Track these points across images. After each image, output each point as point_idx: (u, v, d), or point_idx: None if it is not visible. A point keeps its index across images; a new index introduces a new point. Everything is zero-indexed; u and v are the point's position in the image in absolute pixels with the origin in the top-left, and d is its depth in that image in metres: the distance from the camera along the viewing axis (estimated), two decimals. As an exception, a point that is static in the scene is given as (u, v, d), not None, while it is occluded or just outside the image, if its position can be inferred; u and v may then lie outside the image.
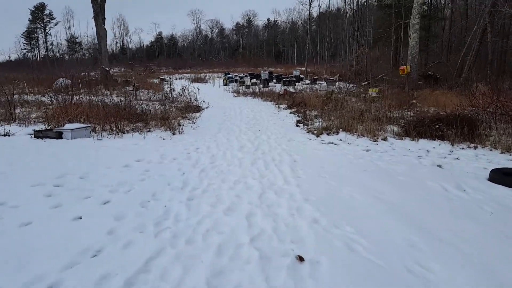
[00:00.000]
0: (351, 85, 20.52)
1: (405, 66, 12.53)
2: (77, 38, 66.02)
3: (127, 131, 7.73)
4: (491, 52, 16.28)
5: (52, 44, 64.28)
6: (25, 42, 62.60)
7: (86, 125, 7.22)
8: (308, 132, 7.76)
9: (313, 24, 47.33)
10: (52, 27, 63.22)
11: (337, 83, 20.05)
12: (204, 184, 4.27)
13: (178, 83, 26.36)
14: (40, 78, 20.81)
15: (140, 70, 43.13)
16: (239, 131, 8.14)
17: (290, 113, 10.75)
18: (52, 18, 62.63)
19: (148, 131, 7.95)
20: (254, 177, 4.55)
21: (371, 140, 6.75)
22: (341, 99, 12.50)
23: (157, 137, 7.11)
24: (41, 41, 63.21)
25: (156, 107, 12.43)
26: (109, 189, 3.99)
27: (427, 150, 6.03)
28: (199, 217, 3.22)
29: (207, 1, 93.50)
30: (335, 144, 6.58)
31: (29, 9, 60.46)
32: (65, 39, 65.79)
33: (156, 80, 26.25)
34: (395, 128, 7.44)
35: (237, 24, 74.38)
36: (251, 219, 3.10)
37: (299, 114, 10.29)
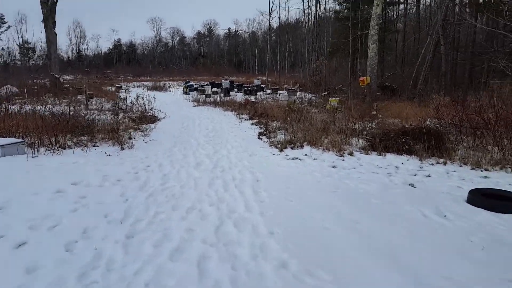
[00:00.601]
0: (311, 95, 20.67)
1: (365, 77, 12.66)
2: (30, 43, 61.48)
3: (69, 146, 6.75)
4: (444, 64, 17.11)
5: (3, 49, 59.32)
6: None
7: (19, 140, 6.16)
8: (271, 145, 7.29)
9: (272, 35, 47.94)
10: (3, 32, 58.44)
11: (298, 93, 20.04)
12: (150, 213, 3.58)
13: (136, 92, 25.10)
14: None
15: (96, 78, 40.96)
16: (197, 145, 7.48)
17: (252, 124, 10.27)
18: (3, 22, 57.99)
19: (94, 146, 7.04)
20: (211, 202, 3.94)
21: (337, 155, 6.42)
22: (304, 109, 12.29)
23: (102, 153, 6.24)
24: None
25: (107, 117, 11.41)
26: (30, 224, 3.18)
27: (396, 166, 5.80)
28: (138, 263, 2.55)
29: (168, 9, 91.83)
30: (300, 160, 6.16)
31: None
32: (17, 44, 61.01)
33: (112, 88, 24.72)
34: (360, 141, 7.22)
35: (198, 32, 73.53)
36: (203, 265, 2.48)
37: (261, 126, 9.85)
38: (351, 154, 6.46)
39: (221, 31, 74.00)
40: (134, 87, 31.08)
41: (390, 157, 6.37)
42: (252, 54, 59.70)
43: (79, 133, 7.71)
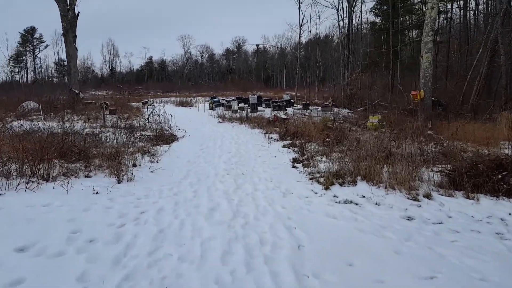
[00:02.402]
0: (346, 111, 18.77)
1: (417, 91, 10.68)
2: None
3: (54, 178, 5.34)
4: (505, 77, 14.67)
5: (41, 67, 62.47)
6: (13, 64, 60.58)
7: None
8: (311, 179, 5.50)
9: (301, 50, 46.61)
10: (41, 50, 61.63)
11: (334, 109, 18.19)
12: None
13: (160, 107, 24.28)
14: (9, 100, 18.55)
15: (127, 93, 41.39)
16: (215, 176, 5.84)
17: (284, 146, 8.54)
18: (42, 42, 61.20)
19: (87, 176, 5.60)
20: (223, 304, 2.23)
21: (408, 198, 4.53)
22: (345, 128, 10.44)
23: (89, 190, 4.73)
24: (30, 64, 61.70)
25: (121, 136, 10.17)
26: None
27: (502, 219, 3.85)
28: None
29: (197, 27, 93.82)
30: (357, 205, 4.33)
31: (19, 32, 58.93)
32: (53, 62, 63.96)
33: (138, 104, 24.10)
34: (433, 174, 5.26)
35: (227, 49, 73.82)
36: None
37: (295, 148, 8.10)
38: (428, 196, 4.54)
39: (249, 47, 73.76)
40: (161, 102, 30.58)
41: (486, 202, 4.38)
42: (281, 69, 58.73)
43: (73, 158, 6.35)
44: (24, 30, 59.89)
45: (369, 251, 3.05)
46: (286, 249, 3.07)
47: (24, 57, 61.51)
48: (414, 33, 27.15)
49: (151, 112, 12.16)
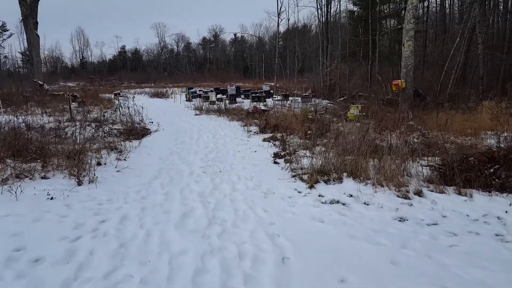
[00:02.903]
0: (326, 102, 18.55)
1: (399, 81, 10.46)
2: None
3: (5, 180, 4.67)
4: (482, 66, 14.79)
5: (5, 57, 58.54)
6: None
7: None
8: (294, 176, 5.10)
9: (280, 40, 46.06)
10: (5, 39, 57.65)
11: (313, 100, 17.92)
12: None
13: (137, 99, 23.18)
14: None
15: (96, 84, 39.73)
16: (190, 175, 5.32)
17: (264, 140, 8.10)
18: (5, 30, 57.22)
19: (44, 177, 4.96)
20: None
21: (398, 195, 4.21)
22: (326, 120, 10.14)
23: (43, 195, 4.11)
24: None
25: (87, 130, 9.42)
26: None
27: (499, 218, 3.59)
28: None
29: (172, 15, 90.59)
30: (345, 205, 3.96)
31: None
32: (18, 52, 60.17)
33: (110, 95, 22.92)
34: (422, 169, 4.98)
35: (204, 38, 71.93)
36: None
37: (276, 142, 7.68)
38: (419, 193, 4.23)
39: (226, 35, 72.35)
40: (135, 93, 29.38)
41: (479, 198, 4.12)
42: (259, 59, 58.02)
43: (29, 157, 5.64)
44: (-15, 19, 55.89)
45: (363, 263, 2.68)
46: (269, 264, 2.65)
47: (-14, 47, 57.68)
48: (391, 23, 27.25)
49: (118, 104, 11.35)
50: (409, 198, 4.13)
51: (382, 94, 17.90)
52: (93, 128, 9.96)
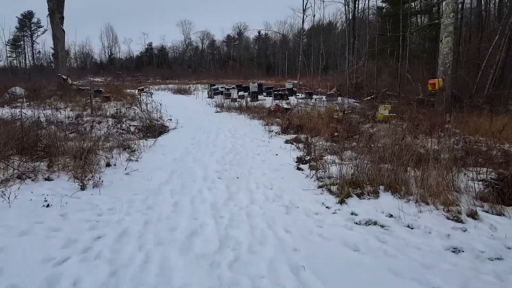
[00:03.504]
0: (352, 101, 17.65)
1: (436, 80, 9.53)
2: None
3: (5, 181, 4.33)
4: (526, 65, 13.44)
5: (39, 52, 60.82)
6: (10, 50, 59.00)
7: None
8: (320, 186, 4.46)
9: (304, 37, 45.06)
10: (39, 35, 59.88)
11: (339, 98, 17.08)
12: None
13: (160, 95, 23.13)
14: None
15: (123, 80, 40.46)
16: (203, 180, 4.80)
17: (286, 141, 7.48)
18: (40, 26, 59.41)
19: (47, 179, 4.59)
20: None
21: (447, 217, 3.49)
22: (355, 121, 9.40)
23: (39, 201, 3.70)
24: (28, 49, 60.24)
25: (109, 126, 9.20)
26: None
27: None
28: None
29: (197, 13, 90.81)
30: (384, 228, 3.30)
31: (17, 17, 57.15)
32: (50, 47, 62.36)
33: (134, 91, 22.96)
34: (473, 183, 4.21)
35: (228, 36, 71.77)
36: None
37: (299, 145, 7.05)
38: (473, 215, 3.50)
39: (250, 32, 71.82)
40: (159, 89, 29.47)
41: (551, 224, 3.36)
42: (283, 57, 57.21)
43: (36, 155, 5.32)
44: (22, 14, 58.24)
45: (417, 317, 2.04)
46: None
47: (22, 42, 60.06)
48: (422, 19, 25.79)
49: (139, 100, 11.08)
50: (461, 221, 3.41)
51: (413, 94, 16.82)
52: (110, 125, 9.72)
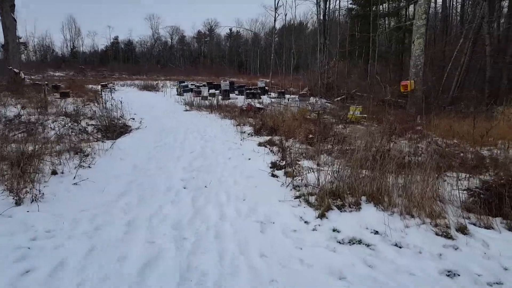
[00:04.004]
0: (323, 101, 17.59)
1: (408, 81, 9.49)
2: (20, 38, 58.18)
3: None
4: (489, 68, 13.92)
5: None
6: None
7: None
8: (298, 197, 4.03)
9: (276, 36, 44.97)
10: None
11: (311, 98, 16.92)
12: None
13: (125, 91, 21.89)
14: None
15: (86, 75, 38.34)
16: (166, 192, 4.22)
17: (259, 144, 7.01)
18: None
19: (-25, 191, 3.81)
20: None
21: (436, 232, 3.18)
22: (327, 121, 9.15)
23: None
24: None
25: (64, 126, 8.32)
26: None
27: None
28: None
29: (166, 7, 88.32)
30: (369, 248, 2.91)
31: None
32: (-1, 40, 57.67)
33: (97, 87, 21.54)
34: (457, 192, 3.96)
35: (199, 32, 70.24)
36: None
37: (273, 148, 6.62)
38: (462, 230, 3.21)
39: (221, 29, 70.83)
40: (124, 85, 28.03)
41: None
42: (254, 55, 56.87)
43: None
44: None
45: None
46: None
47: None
48: (388, 22, 26.38)
49: (101, 96, 10.23)
50: (452, 238, 3.10)
51: (381, 95, 17.01)
52: (65, 124, 8.80)
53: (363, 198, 3.76)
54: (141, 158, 5.80)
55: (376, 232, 3.16)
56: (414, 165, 4.23)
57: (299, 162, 5.35)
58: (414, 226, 3.28)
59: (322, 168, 4.71)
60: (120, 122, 9.44)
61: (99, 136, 8.06)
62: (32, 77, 24.52)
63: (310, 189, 4.12)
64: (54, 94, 16.08)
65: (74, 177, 4.48)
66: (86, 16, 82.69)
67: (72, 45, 65.98)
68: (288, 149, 6.00)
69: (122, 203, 3.75)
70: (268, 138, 7.42)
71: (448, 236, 3.13)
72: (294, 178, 4.56)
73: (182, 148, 6.72)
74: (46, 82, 19.38)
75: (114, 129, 8.54)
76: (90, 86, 22.21)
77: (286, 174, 4.85)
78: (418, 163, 4.43)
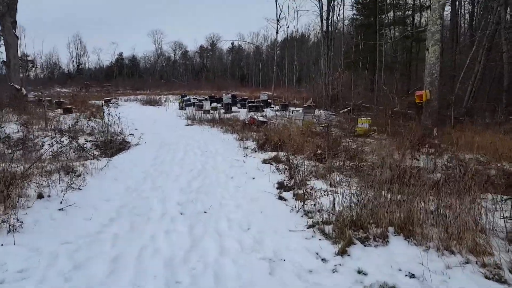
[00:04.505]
0: (329, 113, 17.15)
1: (423, 91, 9.01)
2: (29, 55, 58.88)
3: None
4: (507, 76, 13.36)
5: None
6: None
7: None
8: (311, 226, 3.52)
9: (277, 48, 45.07)
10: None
11: (316, 111, 16.49)
12: None
13: (128, 106, 21.68)
14: None
15: (88, 90, 38.48)
16: (160, 219, 3.73)
17: (264, 161, 6.53)
18: (-3, 34, 55.10)
19: None
20: None
21: (485, 275, 2.65)
22: (337, 136, 8.68)
23: None
24: None
25: (61, 142, 7.88)
26: None
27: None
28: None
29: (169, 23, 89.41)
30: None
31: None
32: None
33: (101, 102, 21.33)
34: (502, 221, 3.42)
35: (201, 46, 70.80)
36: None
37: (279, 165, 6.12)
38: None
39: (223, 43, 71.37)
40: (127, 100, 27.91)
41: None
42: (256, 68, 56.95)
43: None
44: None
45: None
46: None
47: (-17, 51, 55.93)
48: (394, 31, 26.13)
49: (103, 112, 9.91)
50: (506, 282, 2.56)
51: (389, 106, 16.56)
52: (62, 141, 8.37)
53: (390, 229, 3.23)
54: (136, 177, 5.33)
55: (412, 276, 2.62)
56: (445, 186, 3.71)
57: (309, 182, 4.85)
58: (457, 266, 2.74)
59: (336, 191, 4.21)
60: (119, 138, 9.04)
61: (97, 153, 7.65)
62: (39, 93, 24.52)
63: (325, 216, 3.61)
64: (57, 109, 15.87)
65: (61, 202, 4.01)
66: (91, 34, 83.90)
67: (78, 61, 66.91)
68: (296, 167, 5.51)
69: (110, 233, 3.26)
70: (273, 154, 6.93)
71: (501, 280, 2.58)
72: (305, 201, 4.05)
73: (181, 165, 6.25)
74: (48, 98, 19.24)
75: (112, 145, 8.13)
76: (94, 101, 22.02)
77: (296, 196, 4.35)
78: (449, 183, 3.92)
